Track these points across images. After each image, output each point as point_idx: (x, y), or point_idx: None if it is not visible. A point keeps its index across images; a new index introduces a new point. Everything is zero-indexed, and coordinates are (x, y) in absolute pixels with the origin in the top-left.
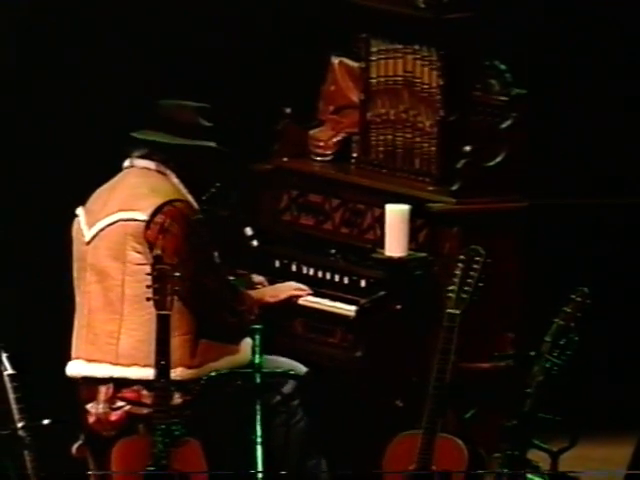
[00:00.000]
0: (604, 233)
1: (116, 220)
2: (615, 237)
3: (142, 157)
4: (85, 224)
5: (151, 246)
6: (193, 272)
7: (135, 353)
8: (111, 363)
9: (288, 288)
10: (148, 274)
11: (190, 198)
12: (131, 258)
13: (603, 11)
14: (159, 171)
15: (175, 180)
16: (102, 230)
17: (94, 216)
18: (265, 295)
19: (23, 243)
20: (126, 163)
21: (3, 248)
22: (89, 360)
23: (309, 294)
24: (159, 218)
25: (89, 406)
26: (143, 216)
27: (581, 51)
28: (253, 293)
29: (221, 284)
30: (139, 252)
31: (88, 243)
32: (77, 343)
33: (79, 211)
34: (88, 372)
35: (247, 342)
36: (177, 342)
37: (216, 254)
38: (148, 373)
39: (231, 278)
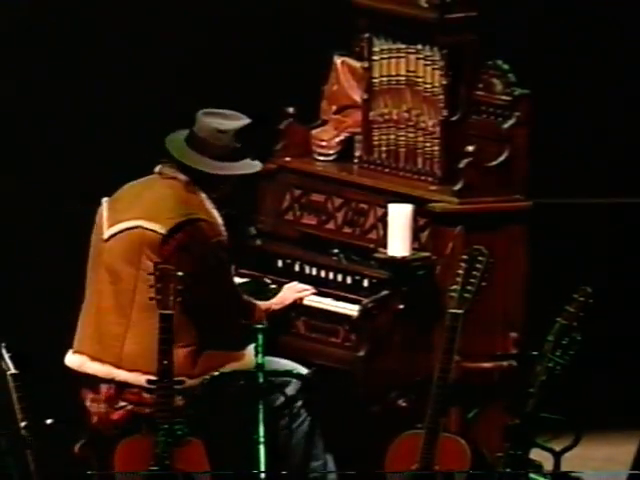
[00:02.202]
0: (606, 233)
1: (136, 226)
2: (617, 237)
3: (174, 168)
4: (106, 220)
5: (165, 260)
6: (206, 291)
7: (139, 359)
8: (114, 365)
9: (292, 292)
10: (150, 274)
11: (215, 214)
12: (145, 266)
13: (604, 11)
14: (188, 185)
15: (202, 196)
16: (121, 232)
17: (116, 215)
18: (271, 303)
19: (25, 242)
20: (157, 168)
21: (5, 247)
22: (93, 358)
23: (312, 294)
24: (178, 236)
25: (90, 405)
26: (162, 230)
27: (583, 51)
28: (259, 302)
29: (234, 303)
30: (153, 261)
31: (105, 241)
32: (81, 337)
33: (104, 201)
34: (90, 370)
35: (251, 349)
36: (180, 354)
37: (232, 274)
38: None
39: (243, 280)
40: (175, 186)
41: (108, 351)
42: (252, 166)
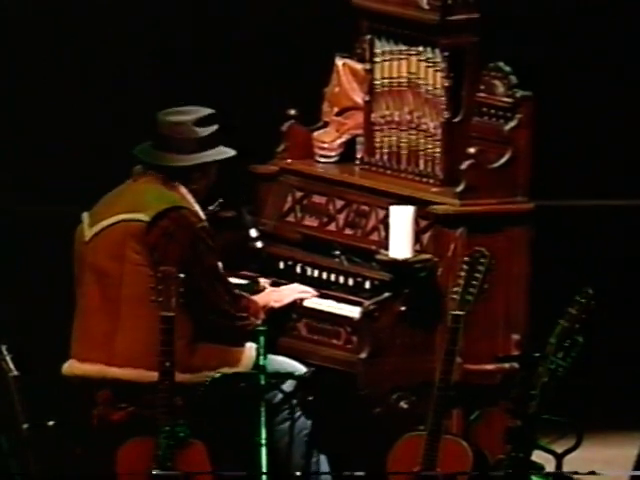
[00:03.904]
0: (608, 235)
1: (118, 221)
2: (619, 239)
3: (148, 168)
4: (87, 225)
5: (152, 249)
6: (196, 280)
7: (130, 354)
8: (105, 364)
9: (292, 291)
10: (152, 275)
11: (197, 208)
12: (130, 259)
13: (606, 12)
14: (166, 181)
15: (183, 190)
16: (103, 230)
17: (97, 217)
18: (270, 299)
19: (28, 244)
20: (134, 170)
21: (6, 248)
22: (83, 360)
23: (314, 296)
24: (163, 223)
25: (92, 407)
26: (146, 218)
27: (585, 52)
28: (258, 298)
29: (223, 293)
30: (138, 253)
31: (87, 243)
32: (72, 343)
33: (84, 216)
34: (82, 372)
35: (248, 355)
36: (176, 346)
37: (220, 264)
38: (142, 375)
39: (240, 282)
40: (154, 181)
41: (98, 350)
42: (222, 153)
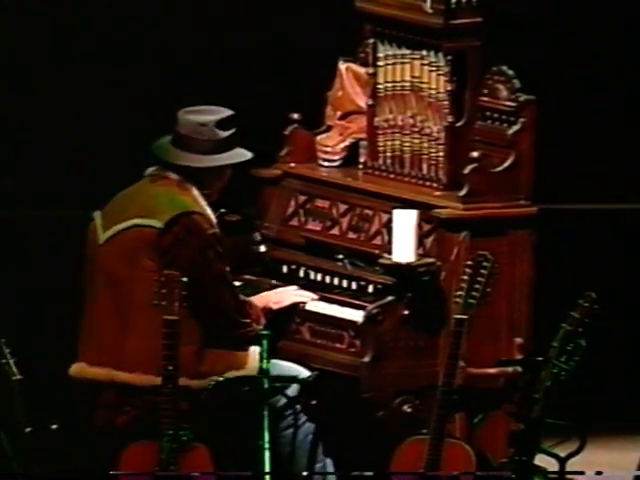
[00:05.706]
0: (611, 238)
1: (132, 225)
2: (622, 243)
3: (164, 168)
4: (101, 227)
5: (164, 254)
6: (203, 285)
7: (140, 359)
8: (114, 368)
9: (291, 293)
10: (155, 279)
11: (209, 211)
12: (143, 265)
13: (609, 13)
14: (180, 182)
15: (195, 192)
16: (117, 234)
17: (111, 220)
18: (269, 301)
19: (29, 245)
20: (148, 171)
21: (7, 250)
22: (92, 363)
23: (313, 299)
24: (176, 228)
25: (95, 410)
26: (159, 224)
27: (588, 55)
28: (256, 299)
29: (229, 299)
30: (152, 259)
31: (101, 246)
32: (80, 345)
33: (96, 214)
34: (91, 375)
35: (253, 358)
36: (183, 353)
37: (228, 269)
38: (152, 380)
39: (239, 284)
40: (167, 184)
41: (107, 354)
42: (241, 155)
